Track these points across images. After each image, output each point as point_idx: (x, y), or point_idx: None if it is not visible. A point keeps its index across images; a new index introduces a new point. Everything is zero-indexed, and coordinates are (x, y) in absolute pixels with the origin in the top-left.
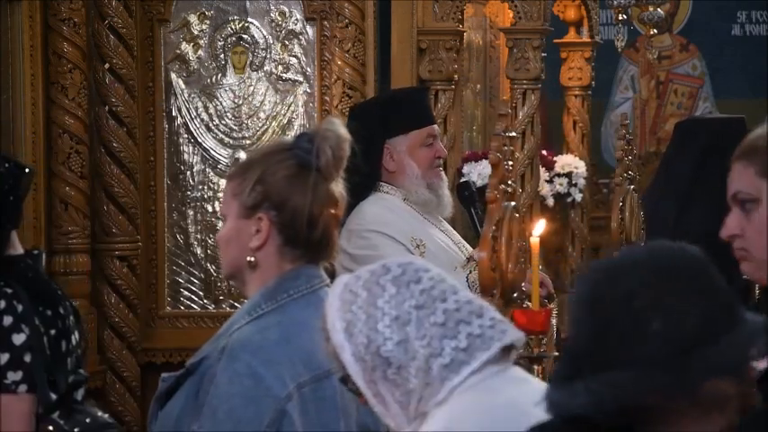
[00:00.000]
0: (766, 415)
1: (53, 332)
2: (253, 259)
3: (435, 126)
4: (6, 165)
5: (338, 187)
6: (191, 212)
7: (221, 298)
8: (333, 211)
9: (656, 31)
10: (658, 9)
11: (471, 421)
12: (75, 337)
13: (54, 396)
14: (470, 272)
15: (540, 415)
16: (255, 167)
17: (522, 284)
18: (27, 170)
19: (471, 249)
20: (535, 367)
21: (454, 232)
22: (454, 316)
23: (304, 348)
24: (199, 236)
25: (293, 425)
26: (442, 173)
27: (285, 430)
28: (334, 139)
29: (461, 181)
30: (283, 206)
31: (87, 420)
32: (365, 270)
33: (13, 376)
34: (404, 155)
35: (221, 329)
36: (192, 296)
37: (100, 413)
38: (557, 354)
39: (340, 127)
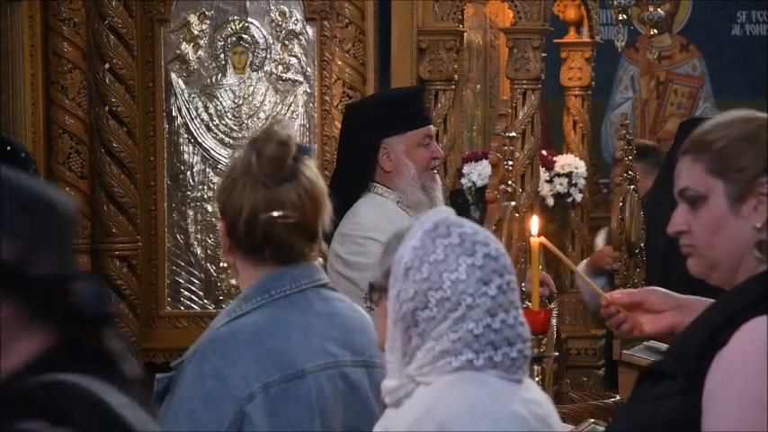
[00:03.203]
0: None
1: None
2: (226, 264)
3: (432, 126)
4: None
5: (283, 191)
6: (191, 212)
7: (221, 298)
8: (279, 213)
9: (656, 31)
10: (658, 9)
11: (453, 404)
12: None
13: None
14: None
15: (520, 410)
16: (224, 175)
17: (522, 285)
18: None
19: None
20: (535, 367)
21: None
22: (490, 336)
23: (277, 348)
24: (199, 236)
25: (254, 426)
26: (437, 175)
27: (246, 431)
28: (269, 143)
29: (455, 188)
30: (226, 212)
31: None
32: (459, 230)
33: None
34: (401, 155)
35: (204, 332)
36: (192, 296)
37: None
38: (557, 354)
39: (279, 131)
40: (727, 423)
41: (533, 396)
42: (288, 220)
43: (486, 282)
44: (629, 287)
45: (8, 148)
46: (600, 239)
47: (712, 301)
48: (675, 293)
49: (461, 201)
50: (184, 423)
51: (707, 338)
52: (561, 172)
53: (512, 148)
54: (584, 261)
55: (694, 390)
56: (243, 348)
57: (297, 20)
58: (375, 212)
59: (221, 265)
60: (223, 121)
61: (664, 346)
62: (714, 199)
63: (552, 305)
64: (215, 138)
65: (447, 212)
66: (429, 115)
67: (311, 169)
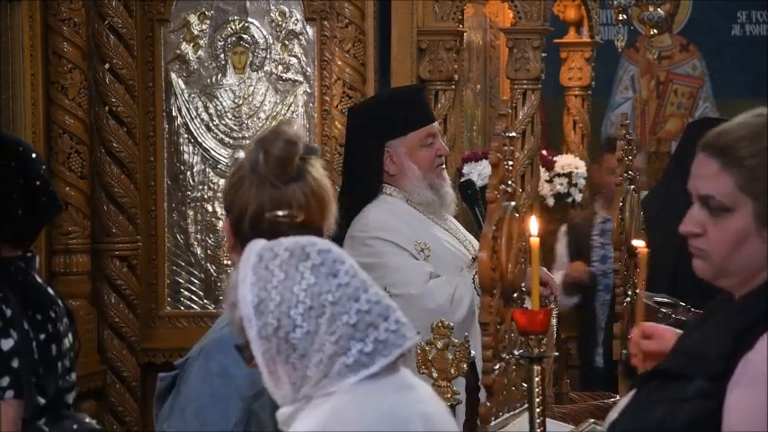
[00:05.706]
0: None
1: (42, 336)
2: (230, 261)
3: (435, 124)
4: (38, 182)
5: (290, 190)
6: (191, 212)
7: (221, 298)
8: (285, 212)
9: (656, 31)
10: (658, 9)
11: (350, 423)
12: (68, 339)
13: (42, 401)
14: (476, 273)
15: (419, 425)
16: (231, 172)
17: (523, 285)
18: (57, 203)
19: (478, 246)
20: (535, 367)
21: (460, 229)
22: (365, 319)
23: None
24: (199, 236)
25: (261, 424)
26: (444, 172)
27: (253, 430)
28: (277, 142)
29: (463, 180)
30: (232, 210)
31: (74, 427)
32: (282, 247)
33: (0, 382)
34: (404, 157)
35: (209, 331)
36: (192, 296)
37: (87, 419)
38: (557, 354)
39: (288, 130)
40: (751, 425)
41: (432, 410)
42: (294, 220)
43: (335, 273)
44: (629, 287)
45: (20, 148)
46: (561, 246)
47: None
48: None
49: (471, 191)
50: (191, 421)
51: (731, 342)
52: (561, 172)
53: (512, 148)
54: (559, 273)
55: (715, 393)
56: None
57: (297, 20)
58: (382, 212)
59: (221, 265)
60: (223, 121)
61: None
62: (740, 215)
63: (552, 305)
64: (215, 138)
65: (260, 242)
66: (430, 113)
67: (317, 169)
